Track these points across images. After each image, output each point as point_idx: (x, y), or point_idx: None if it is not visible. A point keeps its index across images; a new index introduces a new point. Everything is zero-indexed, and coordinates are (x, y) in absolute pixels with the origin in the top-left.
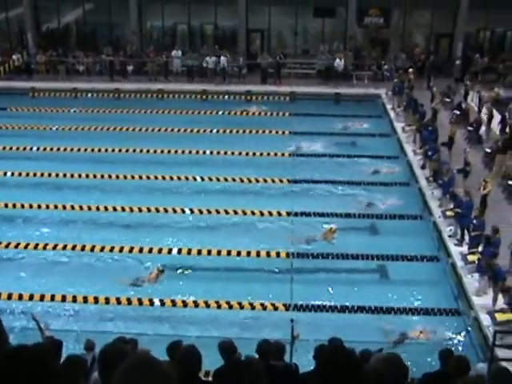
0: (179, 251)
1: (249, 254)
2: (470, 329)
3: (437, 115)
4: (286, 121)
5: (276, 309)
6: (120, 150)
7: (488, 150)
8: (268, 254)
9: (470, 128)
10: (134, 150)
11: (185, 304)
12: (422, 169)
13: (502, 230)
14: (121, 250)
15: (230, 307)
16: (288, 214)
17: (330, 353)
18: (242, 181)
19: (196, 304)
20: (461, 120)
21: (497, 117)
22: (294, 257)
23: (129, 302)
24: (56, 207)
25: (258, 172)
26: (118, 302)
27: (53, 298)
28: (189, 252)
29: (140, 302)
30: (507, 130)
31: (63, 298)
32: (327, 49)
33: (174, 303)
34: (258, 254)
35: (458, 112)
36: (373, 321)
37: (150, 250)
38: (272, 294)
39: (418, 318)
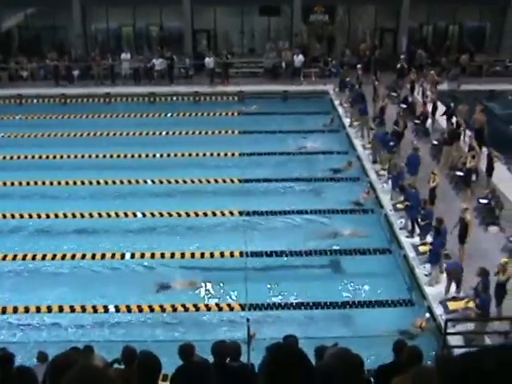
0: (132, 255)
1: (202, 255)
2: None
3: (384, 110)
4: (234, 120)
5: (232, 309)
6: (68, 156)
7: (435, 142)
8: (222, 254)
9: (416, 121)
10: (83, 156)
11: (140, 309)
12: (373, 163)
13: (450, 220)
14: (73, 256)
15: (186, 310)
16: (240, 213)
17: (275, 352)
18: (192, 182)
19: (151, 309)
20: (408, 113)
21: (442, 108)
22: (248, 255)
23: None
24: (4, 216)
25: (208, 172)
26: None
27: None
28: (142, 255)
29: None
30: (453, 121)
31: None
32: (274, 47)
33: (128, 309)
34: (212, 255)
35: (405, 106)
36: (329, 315)
37: (103, 256)
38: (227, 294)
39: (373, 310)
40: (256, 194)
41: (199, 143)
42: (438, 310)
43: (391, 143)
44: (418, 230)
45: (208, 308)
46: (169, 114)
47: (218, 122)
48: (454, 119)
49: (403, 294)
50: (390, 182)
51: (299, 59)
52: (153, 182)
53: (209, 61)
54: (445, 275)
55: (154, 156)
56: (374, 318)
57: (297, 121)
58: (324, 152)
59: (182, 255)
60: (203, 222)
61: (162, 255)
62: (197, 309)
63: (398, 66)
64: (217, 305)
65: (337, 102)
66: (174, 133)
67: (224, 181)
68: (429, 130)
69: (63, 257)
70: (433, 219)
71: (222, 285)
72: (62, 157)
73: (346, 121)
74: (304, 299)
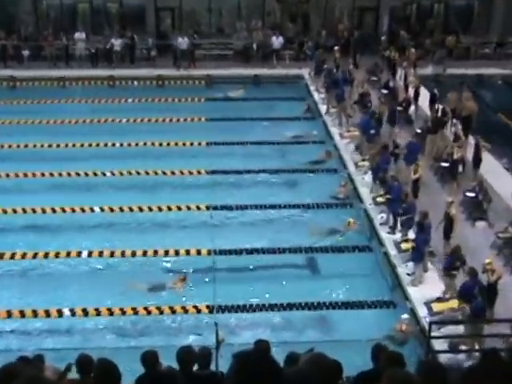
0: (89, 254)
1: (167, 253)
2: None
3: (366, 97)
4: (202, 107)
5: (199, 311)
6: (18, 146)
7: (418, 131)
8: (188, 252)
9: (399, 108)
10: (34, 146)
11: (98, 313)
12: (356, 149)
13: (434, 214)
14: (23, 255)
15: (149, 313)
16: (208, 208)
17: (244, 359)
18: (156, 173)
19: (111, 312)
20: (389, 99)
21: (425, 94)
22: (216, 254)
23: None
24: None
25: (173, 163)
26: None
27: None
28: (100, 254)
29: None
30: (437, 107)
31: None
32: (244, 26)
33: (85, 313)
34: (177, 253)
35: (386, 91)
36: (305, 318)
37: (57, 255)
38: (193, 295)
39: (352, 312)
40: (225, 186)
41: (163, 131)
42: (422, 312)
43: (372, 131)
44: (399, 226)
45: (173, 311)
46: (129, 100)
47: (184, 108)
48: (439, 106)
49: (384, 295)
50: (370, 173)
51: (279, 41)
52: (112, 173)
53: (182, 41)
54: (428, 274)
55: (114, 145)
56: (352, 320)
57: (270, 107)
58: (300, 142)
59: (144, 253)
60: (167, 217)
61: (123, 254)
62: (160, 312)
63: (386, 53)
64: (182, 307)
65: (312, 88)
66: (135, 120)
67: (190, 172)
68: (412, 117)
69: (12, 256)
70: (415, 214)
71: (187, 285)
72: (10, 146)
73: (323, 108)
74: (277, 300)
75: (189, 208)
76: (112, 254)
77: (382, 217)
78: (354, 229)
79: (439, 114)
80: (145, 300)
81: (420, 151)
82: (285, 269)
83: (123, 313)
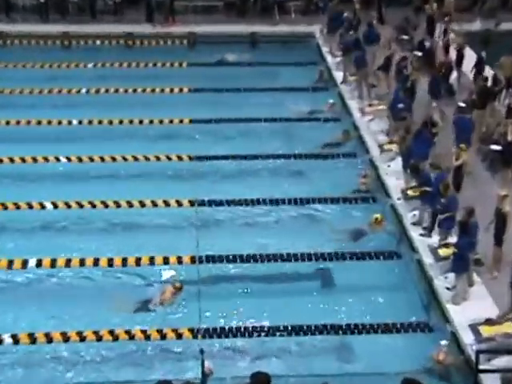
0: (39, 263)
1: (139, 261)
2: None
3: (391, 60)
4: (183, 73)
5: (180, 336)
6: None
7: (461, 105)
8: (166, 261)
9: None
10: None
11: (49, 339)
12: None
13: (482, 211)
14: None
15: (115, 339)
16: (191, 203)
17: None
18: (125, 159)
19: (66, 338)
20: (424, 64)
21: (471, 57)
22: (202, 262)
23: None
24: None
25: (148, 146)
26: None
27: None
28: (52, 264)
29: None
30: (485, 74)
31: None
32: None
33: (32, 339)
34: (152, 261)
35: (420, 53)
36: (316, 344)
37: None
38: (173, 315)
39: (376, 338)
40: (213, 176)
41: (134, 104)
42: (467, 338)
43: (400, 105)
44: (437, 227)
45: (146, 336)
46: (90, 64)
47: (161, 75)
48: (488, 72)
49: (417, 316)
50: (398, 159)
51: None
52: (68, 159)
53: None
54: (474, 289)
55: (70, 123)
56: (377, 347)
57: (270, 75)
58: (309, 119)
59: (110, 262)
60: (141, 215)
61: (82, 262)
62: (131, 337)
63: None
64: (158, 331)
65: (325, 49)
66: (97, 90)
67: (169, 158)
68: (453, 86)
69: None
70: (457, 211)
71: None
72: None
73: (339, 75)
74: (280, 321)
75: (167, 204)
76: (68, 263)
77: (414, 215)
78: (381, 228)
79: (489, 82)
80: (113, 319)
81: (473, 129)
82: (289, 281)
83: (82, 338)
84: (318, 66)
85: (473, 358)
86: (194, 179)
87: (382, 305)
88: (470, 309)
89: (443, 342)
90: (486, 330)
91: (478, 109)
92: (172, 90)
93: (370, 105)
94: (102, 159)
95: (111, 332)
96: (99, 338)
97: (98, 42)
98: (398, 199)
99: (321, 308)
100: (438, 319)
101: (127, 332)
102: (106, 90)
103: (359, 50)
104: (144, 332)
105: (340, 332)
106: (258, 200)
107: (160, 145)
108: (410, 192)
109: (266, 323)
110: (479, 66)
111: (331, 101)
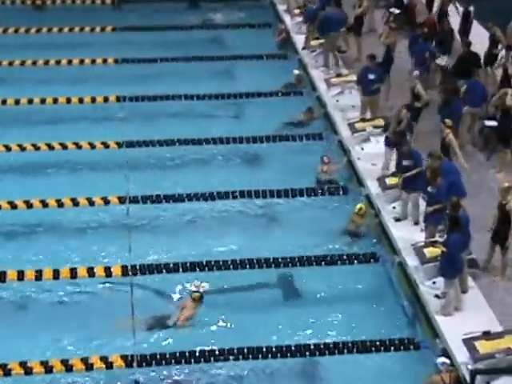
0: None
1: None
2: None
3: (363, 20)
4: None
5: (110, 367)
6: None
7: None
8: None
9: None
10: None
11: None
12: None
13: (477, 202)
14: None
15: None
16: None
17: None
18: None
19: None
20: (402, 23)
21: (456, 15)
22: (136, 273)
23: None
24: None
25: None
26: None
27: None
28: None
29: None
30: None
31: None
32: None
33: None
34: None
35: (398, 10)
36: (283, 367)
37: None
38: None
39: (352, 358)
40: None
41: (48, 80)
42: (461, 355)
43: (371, 76)
44: (422, 222)
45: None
46: None
47: (79, 42)
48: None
49: (401, 330)
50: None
51: None
52: None
53: None
54: (469, 296)
55: None
56: (354, 371)
57: (214, 40)
58: (263, 93)
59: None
60: (59, 156)
61: None
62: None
63: None
64: (84, 360)
65: (282, 7)
66: None
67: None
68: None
69: None
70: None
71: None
72: None
73: (299, 39)
74: (233, 343)
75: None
76: None
77: (394, 207)
78: (364, 222)
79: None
80: None
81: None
82: (246, 292)
83: None
84: (274, 28)
85: (468, 379)
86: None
87: (358, 318)
88: (464, 320)
89: (441, 360)
90: (483, 346)
91: (460, 78)
92: (94, 62)
93: (338, 75)
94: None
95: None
96: None
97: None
98: (376, 190)
99: (284, 324)
100: (425, 334)
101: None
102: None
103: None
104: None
105: (307, 353)
106: (204, 195)
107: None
108: (389, 180)
109: (215, 348)
110: (465, 25)
111: (296, 71)
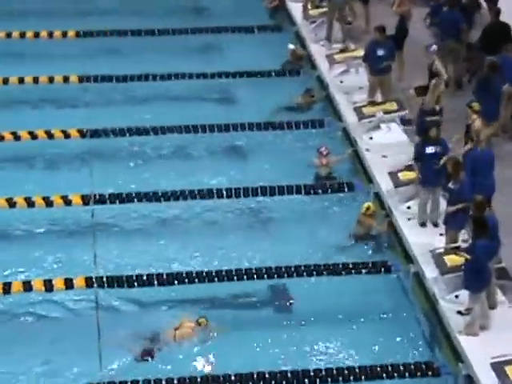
0: None
1: None
2: None
3: None
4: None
5: None
6: None
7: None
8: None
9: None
10: None
11: None
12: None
13: (507, 198)
14: None
15: None
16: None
17: None
18: None
19: None
20: None
21: None
22: (102, 285)
23: None
24: None
25: None
26: None
27: None
28: None
29: None
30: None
31: None
32: None
33: None
34: None
35: None
36: None
37: None
38: None
39: None
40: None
41: None
42: (489, 383)
43: (379, 52)
44: (443, 224)
45: None
46: None
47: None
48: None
49: (417, 353)
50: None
51: None
52: None
53: None
54: (497, 312)
55: None
56: None
57: (195, 8)
58: (254, 73)
59: None
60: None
61: None
62: None
63: None
64: None
65: None
66: None
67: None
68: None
69: None
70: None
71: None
72: None
73: (295, 8)
74: (220, 369)
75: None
76: None
77: (408, 207)
78: (374, 222)
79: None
80: None
81: None
82: (235, 307)
83: None
84: None
85: None
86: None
87: (366, 340)
88: (492, 341)
89: None
90: None
91: (487, 53)
92: (51, 34)
93: (342, 50)
94: None
95: None
96: None
97: None
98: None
99: (275, 348)
100: (446, 357)
101: None
102: None
103: None
104: None
105: (305, 380)
106: (184, 193)
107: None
108: (402, 175)
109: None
110: None
111: (292, 46)
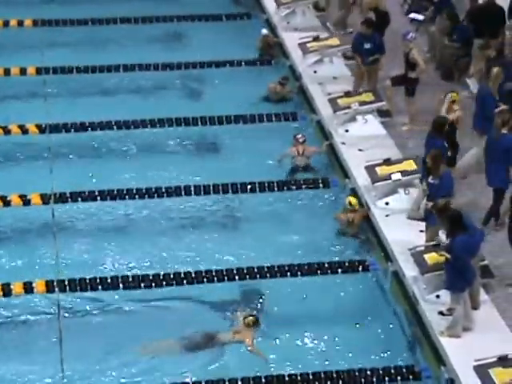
0: None
1: None
2: None
3: None
4: None
5: None
6: None
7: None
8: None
9: None
10: None
11: None
12: None
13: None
14: None
15: None
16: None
17: None
18: None
19: None
20: None
21: None
22: (64, 289)
23: None
24: None
25: None
26: None
27: None
28: None
29: None
30: None
31: None
32: None
33: None
34: None
35: None
36: None
37: None
38: None
39: None
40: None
41: None
42: None
43: (366, 46)
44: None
45: None
46: None
47: None
48: None
49: (397, 356)
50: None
51: None
52: None
53: None
54: (480, 313)
55: None
56: None
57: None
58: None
59: None
60: None
61: None
62: None
63: None
64: None
65: None
66: None
67: None
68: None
69: None
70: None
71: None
72: None
73: None
74: (195, 378)
75: None
76: None
77: (387, 203)
78: (360, 219)
79: None
80: None
81: None
82: (205, 310)
83: None
84: None
85: None
86: None
87: (342, 343)
88: (476, 343)
89: None
90: (499, 375)
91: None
92: (7, 23)
93: (316, 38)
94: None
95: None
96: None
97: None
98: (363, 181)
99: (248, 354)
100: (427, 360)
101: None
102: None
103: None
104: None
105: None
106: (150, 190)
107: None
108: (380, 169)
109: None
110: None
111: (265, 31)
